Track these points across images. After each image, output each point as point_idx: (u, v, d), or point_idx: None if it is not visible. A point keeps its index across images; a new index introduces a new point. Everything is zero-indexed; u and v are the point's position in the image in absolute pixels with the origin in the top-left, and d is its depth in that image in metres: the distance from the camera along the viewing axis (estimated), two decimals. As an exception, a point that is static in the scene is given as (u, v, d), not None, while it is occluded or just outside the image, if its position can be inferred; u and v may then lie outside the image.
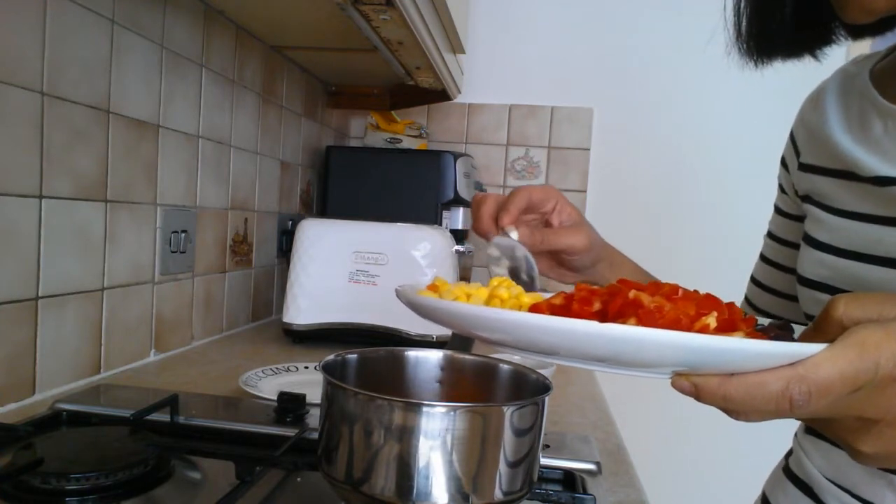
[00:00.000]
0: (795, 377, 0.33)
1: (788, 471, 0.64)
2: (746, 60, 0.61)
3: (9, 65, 0.73)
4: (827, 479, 0.57)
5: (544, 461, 0.68)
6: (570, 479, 0.67)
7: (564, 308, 0.39)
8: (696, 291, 0.39)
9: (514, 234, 0.61)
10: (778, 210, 0.70)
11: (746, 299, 0.75)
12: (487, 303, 0.46)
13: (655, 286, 0.39)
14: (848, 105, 0.59)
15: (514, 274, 0.60)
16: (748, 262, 0.73)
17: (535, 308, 0.40)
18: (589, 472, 0.68)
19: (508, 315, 0.37)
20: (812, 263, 0.58)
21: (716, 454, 1.78)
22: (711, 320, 0.36)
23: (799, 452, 0.62)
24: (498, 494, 0.47)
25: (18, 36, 0.74)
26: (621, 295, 0.37)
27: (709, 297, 0.38)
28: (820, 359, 0.33)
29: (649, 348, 0.34)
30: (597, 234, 0.67)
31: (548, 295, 0.44)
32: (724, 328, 0.36)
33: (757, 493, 0.69)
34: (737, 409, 0.35)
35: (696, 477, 1.80)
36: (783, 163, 0.68)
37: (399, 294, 0.46)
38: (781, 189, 0.69)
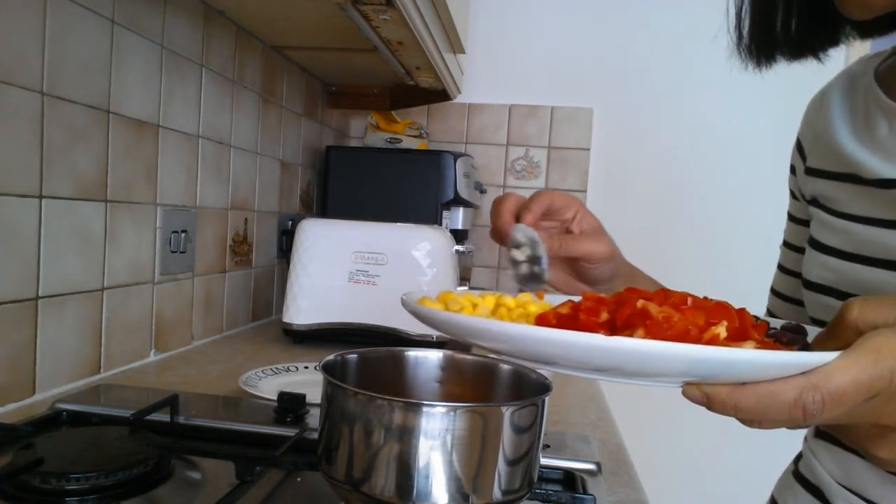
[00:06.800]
0: (808, 386, 0.32)
1: (798, 475, 0.63)
2: (748, 63, 0.60)
3: (9, 65, 0.73)
4: (838, 482, 0.57)
5: (544, 461, 0.68)
6: (570, 479, 0.67)
7: (571, 318, 0.38)
8: (706, 299, 0.39)
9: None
10: (791, 217, 0.69)
11: (769, 312, 0.73)
12: (494, 312, 0.45)
13: (664, 295, 0.39)
14: (853, 105, 0.58)
15: (533, 262, 0.58)
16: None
17: (541, 318, 0.40)
18: (589, 472, 0.68)
19: (515, 328, 0.37)
20: (817, 267, 0.58)
21: (720, 456, 1.78)
22: (721, 330, 0.35)
23: (809, 456, 0.62)
24: (497, 494, 0.47)
25: (18, 36, 0.74)
26: (629, 304, 0.36)
27: (719, 305, 0.37)
28: (833, 367, 0.32)
29: (657, 361, 0.33)
30: (617, 247, 0.65)
31: (555, 301, 0.44)
32: (735, 337, 0.35)
33: (763, 495, 0.69)
34: (749, 419, 0.34)
35: (698, 478, 1.80)
36: (792, 169, 0.67)
37: (404, 303, 0.46)
38: (793, 195, 0.68)
